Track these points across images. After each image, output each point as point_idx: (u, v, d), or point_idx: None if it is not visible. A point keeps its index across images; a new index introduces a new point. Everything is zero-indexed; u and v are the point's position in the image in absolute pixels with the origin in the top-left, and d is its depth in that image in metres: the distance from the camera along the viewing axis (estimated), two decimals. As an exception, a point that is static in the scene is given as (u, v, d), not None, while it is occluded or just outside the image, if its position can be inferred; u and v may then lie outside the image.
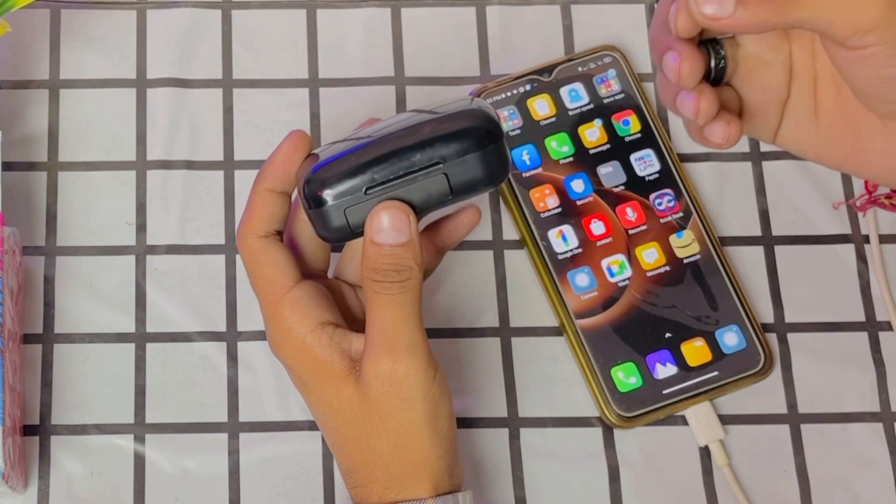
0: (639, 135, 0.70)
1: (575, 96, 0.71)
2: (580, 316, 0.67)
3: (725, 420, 0.66)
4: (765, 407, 0.67)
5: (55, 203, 0.69)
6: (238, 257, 0.69)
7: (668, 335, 0.66)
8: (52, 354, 0.67)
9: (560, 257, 0.68)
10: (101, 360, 0.67)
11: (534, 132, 0.70)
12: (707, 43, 0.55)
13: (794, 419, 0.67)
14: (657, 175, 0.69)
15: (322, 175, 0.54)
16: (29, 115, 0.71)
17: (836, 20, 0.49)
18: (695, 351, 0.66)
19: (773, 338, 0.68)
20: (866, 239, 0.70)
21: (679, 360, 0.66)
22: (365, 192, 0.54)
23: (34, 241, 0.69)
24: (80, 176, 0.70)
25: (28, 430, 0.65)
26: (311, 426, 0.66)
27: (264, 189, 0.57)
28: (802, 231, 0.70)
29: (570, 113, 0.70)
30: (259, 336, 0.67)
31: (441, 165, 0.54)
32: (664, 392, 0.66)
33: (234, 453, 0.66)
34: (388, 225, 0.54)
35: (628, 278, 0.67)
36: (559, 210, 0.68)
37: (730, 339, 0.67)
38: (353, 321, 0.60)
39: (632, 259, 0.68)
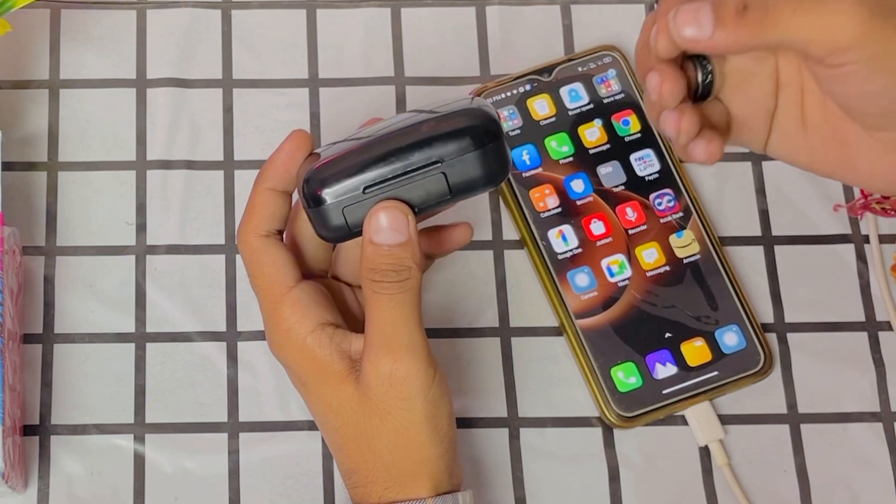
0: (639, 135, 0.70)
1: (575, 96, 0.71)
2: (580, 316, 0.67)
3: (725, 420, 0.66)
4: (765, 407, 0.67)
5: (55, 203, 0.69)
6: (238, 257, 0.69)
7: (667, 335, 0.66)
8: (52, 354, 0.67)
9: (560, 257, 0.68)
10: (101, 360, 0.67)
11: (534, 132, 0.70)
12: (694, 58, 0.55)
13: (794, 419, 0.67)
14: (657, 175, 0.69)
15: (321, 174, 0.54)
16: (29, 115, 0.71)
17: (814, 39, 0.49)
18: (695, 351, 0.66)
19: (773, 338, 0.68)
20: (866, 239, 0.70)
21: (679, 360, 0.66)
22: (363, 192, 0.54)
23: (34, 241, 0.69)
24: (80, 176, 0.70)
25: (28, 430, 0.65)
26: (311, 426, 0.66)
27: (265, 188, 0.57)
28: (802, 231, 0.70)
29: (570, 113, 0.70)
30: (259, 336, 0.67)
31: (439, 165, 0.54)
32: (664, 392, 0.66)
33: (233, 453, 0.66)
34: (387, 225, 0.54)
35: (628, 278, 0.67)
36: (559, 210, 0.68)
37: (730, 339, 0.67)
38: (352, 321, 0.60)
39: (632, 259, 0.68)
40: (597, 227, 0.68)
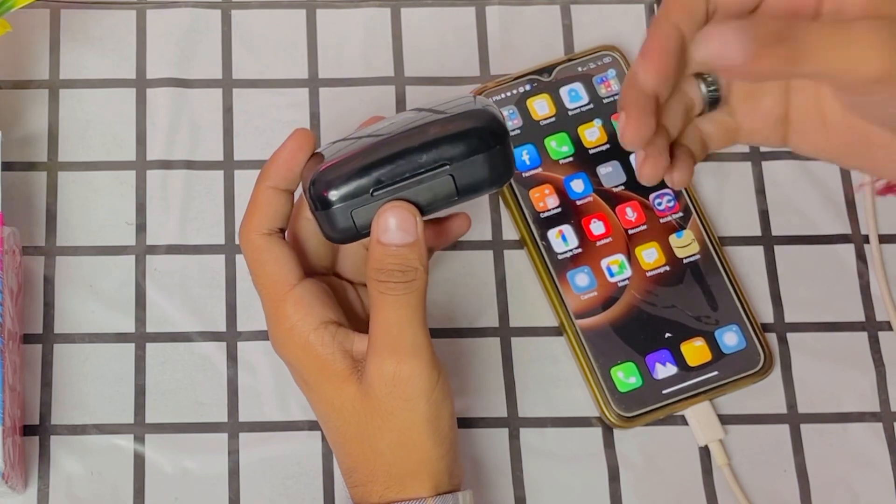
0: (639, 135, 0.70)
1: (575, 96, 0.71)
2: (580, 316, 0.67)
3: (725, 420, 0.66)
4: (765, 407, 0.67)
5: (55, 203, 0.69)
6: (238, 257, 0.69)
7: (667, 335, 0.66)
8: (52, 354, 0.67)
9: (560, 257, 0.68)
10: (101, 360, 0.67)
11: (534, 132, 0.70)
12: (697, 77, 0.54)
13: (793, 419, 0.67)
14: (657, 175, 0.69)
15: (328, 176, 0.54)
16: (29, 115, 0.71)
17: (845, 72, 0.48)
18: (695, 351, 0.66)
19: (772, 338, 0.68)
20: (866, 239, 0.70)
21: (679, 360, 0.66)
22: (371, 194, 0.54)
23: (34, 241, 0.69)
24: (80, 176, 0.70)
25: (28, 430, 0.65)
26: (311, 426, 0.66)
27: (267, 187, 0.57)
28: (802, 231, 0.70)
29: (570, 113, 0.70)
30: (259, 336, 0.67)
31: (447, 167, 0.54)
32: (664, 392, 0.66)
33: (233, 453, 0.66)
34: (395, 225, 0.54)
35: (628, 278, 0.67)
36: (559, 210, 0.68)
37: (729, 339, 0.67)
38: (355, 319, 0.60)
39: (631, 259, 0.68)
40: (597, 227, 0.68)
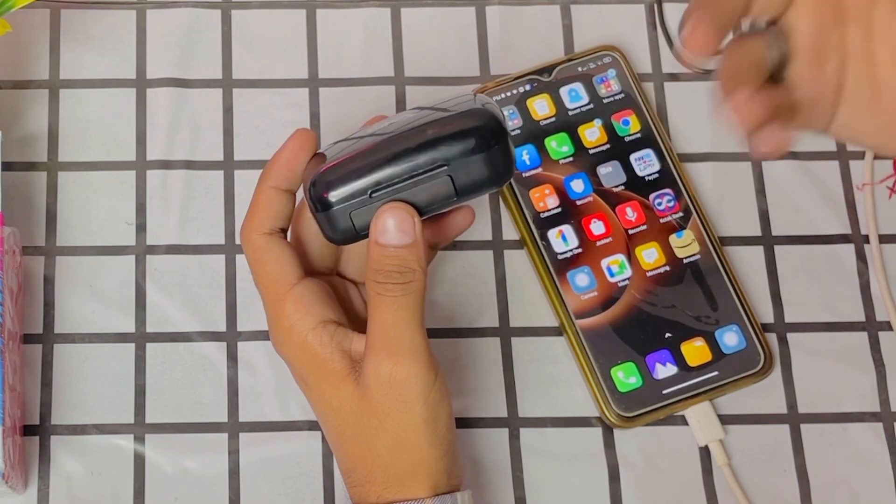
0: (638, 135, 0.70)
1: (575, 96, 0.71)
2: (580, 316, 0.67)
3: (725, 420, 0.66)
4: (765, 407, 0.67)
5: (55, 203, 0.69)
6: (238, 257, 0.69)
7: (667, 335, 0.66)
8: (52, 354, 0.67)
9: (560, 257, 0.68)
10: (101, 360, 0.67)
11: (534, 132, 0.70)
12: (767, 33, 0.53)
13: (794, 419, 0.67)
14: (657, 175, 0.69)
15: (327, 178, 0.54)
16: (29, 115, 0.71)
17: None
18: (695, 351, 0.66)
19: (772, 338, 0.68)
20: (866, 239, 0.70)
21: (679, 360, 0.66)
22: (370, 196, 0.54)
23: (34, 241, 0.69)
24: (80, 176, 0.70)
25: (28, 430, 0.65)
26: (311, 426, 0.66)
27: (269, 187, 0.57)
28: (802, 231, 0.70)
29: (570, 113, 0.70)
30: (259, 336, 0.67)
31: (445, 168, 0.54)
32: (664, 392, 0.66)
33: (233, 453, 0.66)
34: (393, 226, 0.54)
35: (628, 278, 0.67)
36: (559, 210, 0.68)
37: (730, 339, 0.67)
38: (357, 319, 0.60)
39: (632, 259, 0.68)
40: (597, 227, 0.68)
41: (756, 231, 0.70)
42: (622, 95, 0.71)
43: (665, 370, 0.66)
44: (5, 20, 0.64)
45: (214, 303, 0.68)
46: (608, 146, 0.70)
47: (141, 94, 0.72)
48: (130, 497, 0.65)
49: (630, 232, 0.68)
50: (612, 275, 0.67)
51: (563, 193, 0.69)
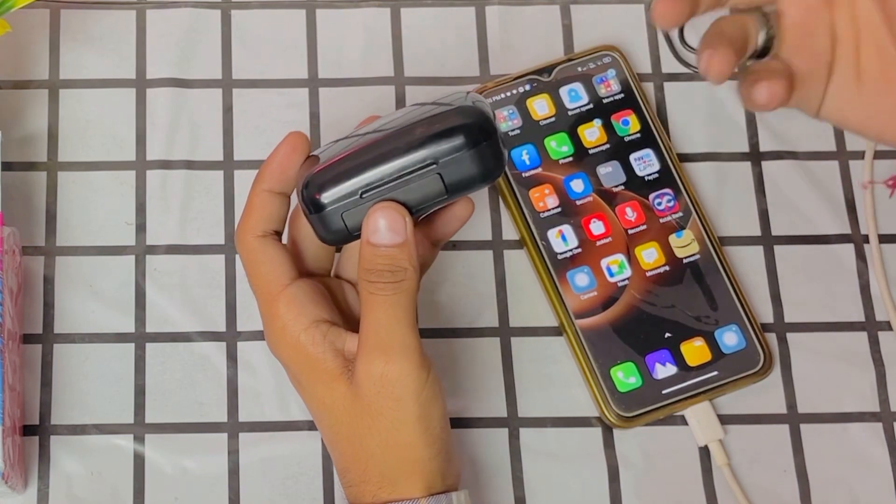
0: (638, 135, 0.70)
1: (574, 96, 0.70)
2: (580, 316, 0.67)
3: (725, 420, 0.66)
4: (764, 407, 0.67)
5: (55, 203, 0.69)
6: (238, 257, 0.69)
7: (667, 335, 0.66)
8: (52, 354, 0.67)
9: (560, 257, 0.68)
10: (101, 360, 0.67)
11: (533, 132, 0.70)
12: (757, 15, 0.56)
13: (793, 419, 0.67)
14: (657, 175, 0.69)
15: (318, 180, 0.55)
16: (29, 115, 0.71)
17: None
18: (694, 351, 0.66)
19: (772, 338, 0.68)
20: (866, 239, 0.70)
21: (679, 359, 0.66)
22: (361, 196, 0.54)
23: (34, 241, 0.69)
24: (80, 176, 0.70)
25: (28, 430, 0.65)
26: (310, 426, 0.66)
27: (262, 189, 0.58)
28: (802, 231, 0.70)
29: (570, 113, 0.70)
30: (259, 336, 0.67)
31: (434, 166, 0.54)
32: (664, 392, 0.66)
33: (233, 453, 0.66)
34: (384, 226, 0.54)
35: (628, 278, 0.67)
36: (559, 210, 0.68)
37: (729, 338, 0.67)
38: (353, 319, 0.60)
39: (631, 259, 0.68)
40: (596, 227, 0.68)
41: (756, 231, 0.70)
42: (622, 95, 0.71)
43: (665, 370, 0.66)
44: (5, 20, 0.64)
45: (214, 303, 0.68)
46: (608, 146, 0.70)
47: (141, 94, 0.72)
48: (130, 497, 0.65)
49: (630, 232, 0.68)
50: (611, 275, 0.67)
51: (562, 193, 0.69)
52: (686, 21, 0.55)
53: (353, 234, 0.55)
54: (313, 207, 0.55)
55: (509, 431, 0.67)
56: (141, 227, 0.69)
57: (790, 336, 0.68)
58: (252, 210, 0.58)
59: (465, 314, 0.69)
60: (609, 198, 0.69)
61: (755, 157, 0.71)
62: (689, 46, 0.72)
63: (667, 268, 0.68)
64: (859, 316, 0.69)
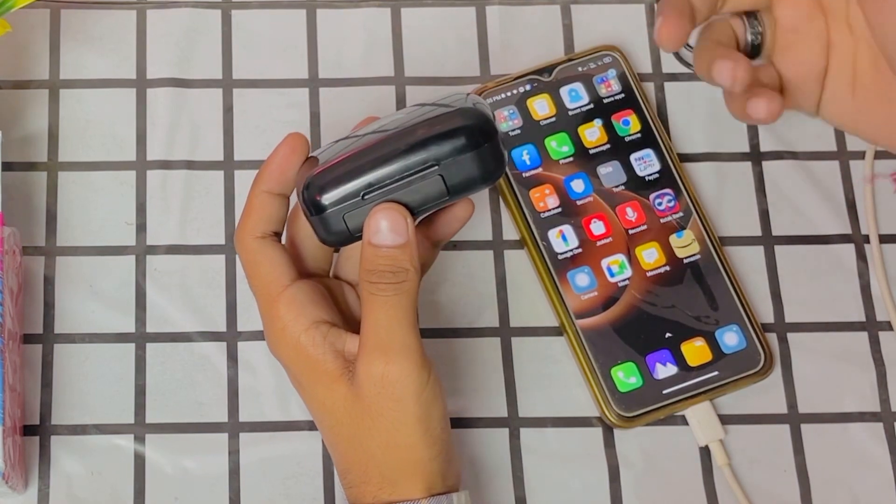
0: (639, 135, 0.70)
1: (575, 96, 0.70)
2: (580, 316, 0.67)
3: (725, 420, 0.66)
4: (765, 407, 0.67)
5: (55, 203, 0.69)
6: (238, 257, 0.69)
7: (668, 335, 0.66)
8: (52, 354, 0.67)
9: (560, 257, 0.68)
10: (101, 360, 0.67)
11: (534, 132, 0.70)
12: (743, 17, 0.56)
13: (794, 419, 0.67)
14: (657, 175, 0.69)
15: (319, 182, 0.55)
16: (29, 115, 0.71)
17: None
18: (695, 351, 0.66)
19: (773, 338, 0.68)
20: (866, 239, 0.70)
21: (679, 359, 0.66)
22: (363, 197, 0.55)
23: (34, 241, 0.69)
24: (80, 176, 0.70)
25: (28, 430, 0.65)
26: (311, 426, 0.66)
27: (262, 191, 0.58)
28: (802, 231, 0.70)
29: (570, 113, 0.70)
30: (259, 336, 0.67)
31: (436, 167, 0.54)
32: (664, 392, 0.66)
33: (234, 453, 0.66)
34: (386, 227, 0.54)
35: (628, 278, 0.67)
36: (559, 210, 0.68)
37: (730, 338, 0.67)
38: (352, 320, 0.60)
39: (632, 259, 0.68)
40: (597, 227, 0.68)
41: (756, 231, 0.70)
42: (622, 95, 0.71)
43: (665, 370, 0.66)
44: (5, 20, 0.64)
45: (214, 303, 0.68)
46: (608, 146, 0.70)
47: (141, 94, 0.72)
48: (130, 497, 0.65)
49: (630, 232, 0.68)
50: (612, 275, 0.67)
51: (563, 193, 0.69)
52: (688, 38, 0.56)
53: (354, 236, 0.56)
54: (314, 209, 0.55)
55: (510, 431, 0.67)
56: (141, 227, 0.69)
57: (791, 336, 0.68)
58: (251, 211, 0.58)
59: (465, 314, 0.69)
60: (609, 198, 0.69)
61: (756, 157, 0.71)
62: (689, 46, 0.72)
63: (667, 268, 0.68)
64: (860, 316, 0.69)
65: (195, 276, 0.69)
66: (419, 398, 0.55)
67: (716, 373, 0.66)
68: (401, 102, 0.72)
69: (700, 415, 0.66)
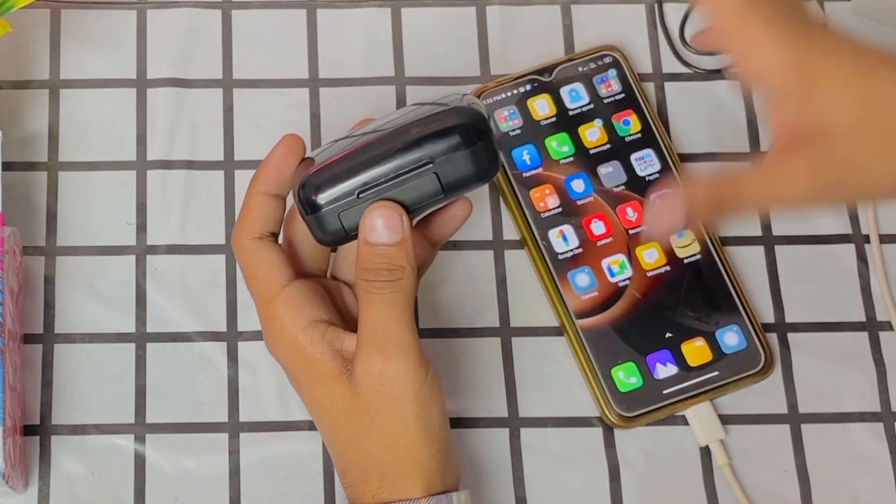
0: (639, 135, 0.70)
1: (575, 96, 0.70)
2: (580, 316, 0.67)
3: (726, 420, 0.66)
4: (765, 407, 0.67)
5: (55, 203, 0.69)
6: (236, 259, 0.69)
7: (668, 335, 0.66)
8: (52, 354, 0.67)
9: (560, 257, 0.68)
10: (101, 360, 0.67)
11: (534, 132, 0.70)
12: None
13: (794, 419, 0.67)
14: (657, 175, 0.69)
15: (315, 181, 0.55)
16: (29, 115, 0.71)
17: (779, 204, 0.57)
18: (695, 351, 0.66)
19: (773, 338, 0.68)
20: (866, 239, 0.70)
21: (679, 359, 0.66)
22: (358, 196, 0.55)
23: (34, 241, 0.69)
24: (80, 176, 0.70)
25: (28, 430, 0.65)
26: (311, 426, 0.66)
27: (258, 192, 0.58)
28: (802, 231, 0.70)
29: (571, 113, 0.70)
30: (259, 336, 0.67)
31: (430, 165, 0.54)
32: (664, 392, 0.66)
33: (234, 453, 0.66)
34: (382, 225, 0.55)
35: (629, 278, 0.67)
36: (559, 210, 0.68)
37: (730, 338, 0.67)
38: (351, 320, 0.60)
39: (632, 259, 0.68)
40: (597, 227, 0.68)
41: (756, 231, 0.70)
42: (622, 95, 0.71)
43: (665, 370, 0.66)
44: (5, 20, 0.64)
45: (214, 303, 0.68)
46: (608, 146, 0.70)
47: (141, 94, 0.72)
48: (131, 497, 0.65)
49: (630, 232, 0.68)
50: (612, 275, 0.67)
51: (563, 193, 0.69)
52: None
53: (350, 235, 0.56)
54: (310, 208, 0.55)
55: (510, 431, 0.67)
56: (141, 227, 0.69)
57: (791, 336, 0.68)
58: (248, 212, 0.58)
59: (465, 314, 0.69)
60: (610, 198, 0.69)
61: (756, 156, 0.71)
62: (690, 46, 0.72)
63: (668, 268, 0.68)
64: (860, 316, 0.69)
65: (195, 276, 0.69)
66: (417, 396, 0.55)
67: (716, 373, 0.66)
68: (401, 102, 0.72)
69: (700, 415, 0.66)
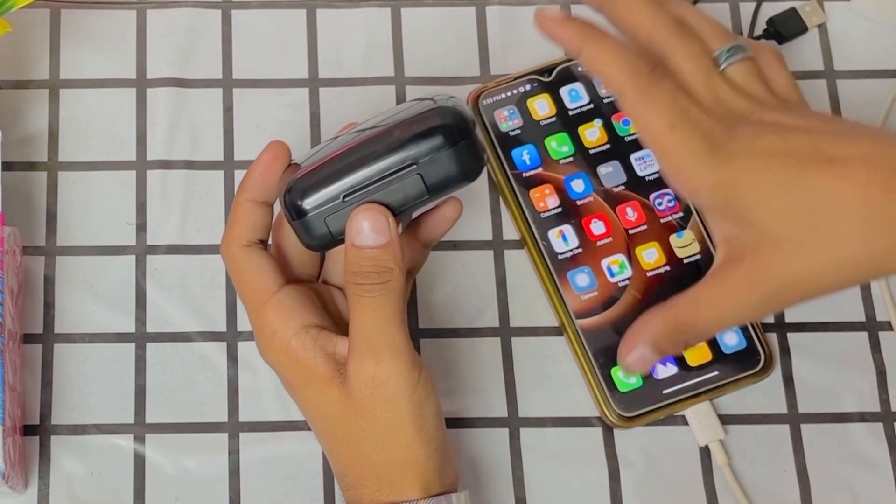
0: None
1: (575, 96, 0.70)
2: (580, 316, 0.67)
3: (725, 420, 0.66)
4: (765, 407, 0.67)
5: (55, 203, 0.69)
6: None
7: (668, 335, 0.66)
8: (52, 354, 0.67)
9: (560, 257, 0.68)
10: (101, 360, 0.67)
11: (534, 132, 0.70)
12: None
13: (794, 419, 0.67)
14: (657, 175, 0.69)
15: (300, 186, 0.56)
16: (29, 115, 0.71)
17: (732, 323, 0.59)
18: (695, 351, 0.66)
19: (773, 338, 0.68)
20: (866, 239, 0.70)
21: (679, 359, 0.66)
22: (343, 200, 0.55)
23: (34, 241, 0.69)
24: (80, 176, 0.70)
25: (28, 430, 0.65)
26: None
27: (245, 199, 0.58)
28: (802, 231, 0.70)
29: (570, 113, 0.70)
30: (259, 336, 0.67)
31: (414, 166, 0.55)
32: (664, 392, 0.66)
33: (234, 453, 0.66)
34: (368, 227, 0.55)
35: (628, 278, 0.67)
36: (559, 210, 0.68)
37: (730, 338, 0.67)
38: (343, 324, 0.60)
39: (632, 259, 0.68)
40: (597, 227, 0.68)
41: (756, 231, 0.70)
42: (622, 95, 0.70)
43: (665, 370, 0.66)
44: (5, 20, 0.64)
45: (214, 303, 0.68)
46: (608, 146, 0.70)
47: (141, 94, 0.72)
48: (130, 497, 0.65)
49: (630, 232, 0.68)
50: (612, 275, 0.67)
51: (563, 193, 0.69)
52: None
53: (336, 239, 0.56)
54: (296, 213, 0.56)
55: (509, 431, 0.67)
56: (141, 227, 0.69)
57: (791, 336, 0.68)
58: (236, 220, 0.58)
59: (465, 314, 0.69)
60: (610, 198, 0.69)
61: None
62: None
63: (667, 268, 0.68)
64: (860, 316, 0.69)
65: (195, 276, 0.69)
66: (411, 397, 0.55)
67: (716, 373, 0.66)
68: (401, 102, 0.72)
69: (700, 415, 0.66)
